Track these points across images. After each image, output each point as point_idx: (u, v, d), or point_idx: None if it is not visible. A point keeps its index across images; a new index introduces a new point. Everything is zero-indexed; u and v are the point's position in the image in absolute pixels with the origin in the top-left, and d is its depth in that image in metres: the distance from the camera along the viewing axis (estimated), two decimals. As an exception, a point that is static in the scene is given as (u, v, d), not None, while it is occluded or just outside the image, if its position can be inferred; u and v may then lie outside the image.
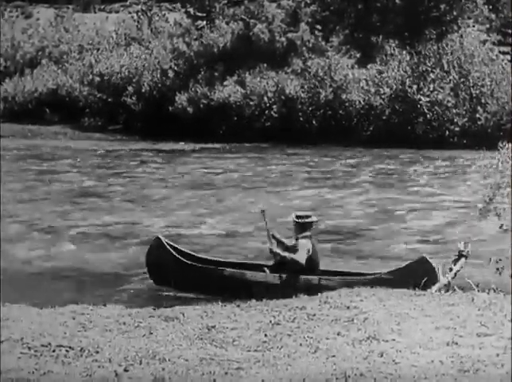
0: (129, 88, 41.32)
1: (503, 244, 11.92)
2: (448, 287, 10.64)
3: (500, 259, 10.66)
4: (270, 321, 8.21)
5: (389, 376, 6.51)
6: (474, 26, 37.93)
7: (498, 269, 10.50)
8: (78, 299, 9.88)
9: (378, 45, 38.04)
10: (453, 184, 23.47)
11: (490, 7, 41.11)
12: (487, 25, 40.08)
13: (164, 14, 53.81)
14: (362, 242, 15.73)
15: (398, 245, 15.23)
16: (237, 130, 36.16)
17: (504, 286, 10.15)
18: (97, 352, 7.05)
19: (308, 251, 11.26)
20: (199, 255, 12.38)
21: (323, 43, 39.04)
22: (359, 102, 35.66)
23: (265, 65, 37.99)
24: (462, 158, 28.65)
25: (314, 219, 11.58)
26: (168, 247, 11.97)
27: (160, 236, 12.30)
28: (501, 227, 10.52)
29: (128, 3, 64.92)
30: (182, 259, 11.87)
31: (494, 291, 9.87)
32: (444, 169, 26.90)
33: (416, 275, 10.74)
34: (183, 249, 12.32)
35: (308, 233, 11.42)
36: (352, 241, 15.81)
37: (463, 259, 11.57)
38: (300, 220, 11.44)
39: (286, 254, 11.36)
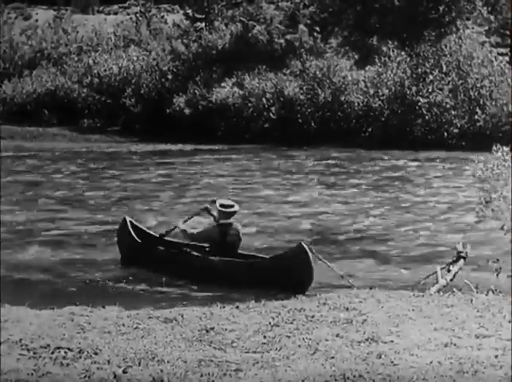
0: (128, 90, 41.33)
1: (501, 246, 11.94)
2: (446, 288, 10.65)
3: (497, 260, 10.66)
4: (269, 323, 8.21)
5: (387, 378, 6.52)
6: (473, 28, 37.96)
7: (496, 270, 10.50)
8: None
9: (376, 47, 38.04)
10: (451, 185, 23.46)
11: (489, 9, 41.11)
12: (486, 27, 40.06)
13: (163, 16, 53.79)
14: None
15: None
16: (235, 132, 36.16)
17: (503, 287, 10.16)
18: (96, 354, 7.05)
19: (209, 233, 12.22)
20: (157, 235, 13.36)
21: (322, 44, 39.05)
22: (358, 103, 35.66)
23: (263, 67, 38.00)
24: (460, 160, 28.60)
25: (236, 209, 12.41)
26: (128, 225, 12.92)
27: (126, 217, 13.30)
28: (502, 228, 10.52)
29: (127, 5, 64.78)
30: (134, 236, 12.77)
31: (493, 292, 9.87)
32: (443, 171, 26.91)
33: (292, 264, 11.20)
34: (148, 231, 13.29)
35: (228, 221, 12.29)
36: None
37: (461, 261, 11.58)
38: (222, 209, 12.34)
39: (183, 227, 12.58)
